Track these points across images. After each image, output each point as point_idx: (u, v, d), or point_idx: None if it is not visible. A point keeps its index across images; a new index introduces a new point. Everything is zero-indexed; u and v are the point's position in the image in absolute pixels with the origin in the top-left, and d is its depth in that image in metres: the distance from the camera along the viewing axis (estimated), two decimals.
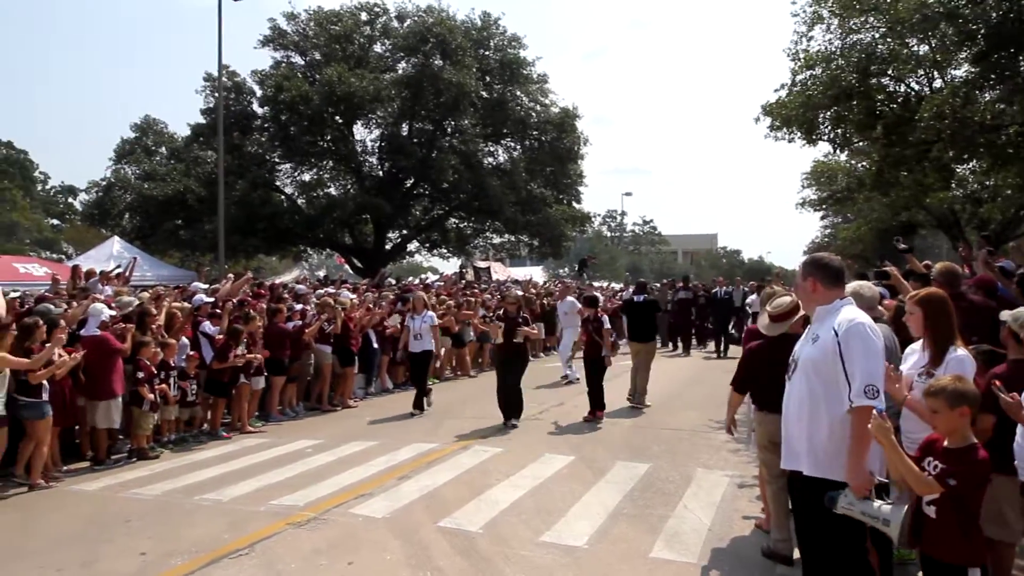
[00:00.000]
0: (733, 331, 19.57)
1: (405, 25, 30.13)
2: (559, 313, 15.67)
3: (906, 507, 3.22)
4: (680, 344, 20.46)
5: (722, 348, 19.07)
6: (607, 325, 10.90)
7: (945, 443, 3.34)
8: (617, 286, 30.82)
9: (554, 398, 12.33)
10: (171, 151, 30.28)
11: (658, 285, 24.71)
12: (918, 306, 4.10)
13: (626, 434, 9.52)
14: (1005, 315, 4.38)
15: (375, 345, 12.83)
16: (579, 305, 13.54)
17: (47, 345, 7.24)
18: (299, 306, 11.94)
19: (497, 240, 33.92)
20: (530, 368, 11.25)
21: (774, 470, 5.17)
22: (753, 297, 15.76)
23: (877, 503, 3.24)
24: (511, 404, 10.11)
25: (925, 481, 3.23)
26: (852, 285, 4.43)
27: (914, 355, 4.23)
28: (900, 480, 3.37)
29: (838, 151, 18.51)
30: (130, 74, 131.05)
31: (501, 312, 11.11)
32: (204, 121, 29.00)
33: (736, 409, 5.78)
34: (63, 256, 41.39)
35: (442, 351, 13.62)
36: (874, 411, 3.34)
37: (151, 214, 27.30)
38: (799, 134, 15.08)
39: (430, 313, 11.96)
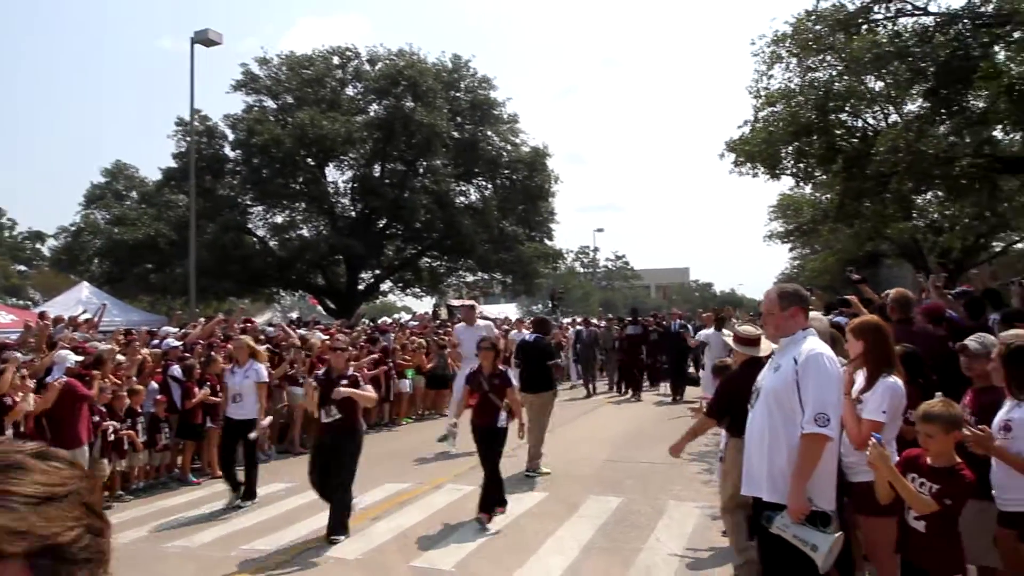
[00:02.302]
0: (691, 370, 16.97)
1: (377, 68, 30.51)
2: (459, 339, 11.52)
3: (835, 537, 3.36)
4: (630, 387, 17.54)
5: (678, 390, 16.39)
6: (515, 382, 7.86)
7: (929, 461, 3.51)
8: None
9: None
10: (142, 195, 30.21)
11: (600, 322, 21.89)
12: (854, 335, 4.22)
13: (598, 469, 9.54)
14: (972, 344, 4.43)
15: None
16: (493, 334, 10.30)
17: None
18: (263, 347, 11.78)
19: (470, 278, 34.03)
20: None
21: (746, 499, 5.22)
22: (705, 332, 13.00)
23: (810, 529, 3.37)
24: (333, 512, 6.74)
25: (924, 501, 3.41)
26: None
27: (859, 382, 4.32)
28: (886, 499, 3.57)
29: (801, 184, 19.00)
30: (101, 119, 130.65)
31: (322, 372, 7.41)
32: (176, 165, 28.93)
33: (697, 435, 5.68)
34: (29, 302, 40.75)
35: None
36: (872, 440, 3.53)
37: (121, 259, 27.09)
38: (762, 169, 15.47)
39: (257, 365, 8.48)
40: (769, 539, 3.52)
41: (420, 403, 15.04)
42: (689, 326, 17.94)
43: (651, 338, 18.12)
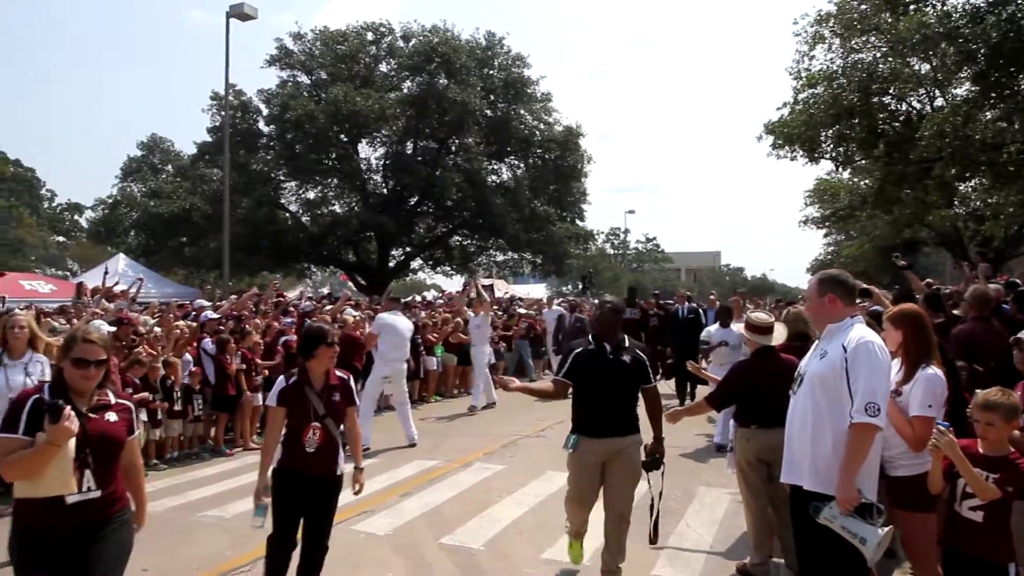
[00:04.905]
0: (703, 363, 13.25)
1: (410, 45, 30.41)
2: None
3: (885, 530, 3.28)
4: None
5: (686, 387, 12.79)
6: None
7: (982, 451, 3.51)
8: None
9: (552, 415, 12.26)
10: (177, 169, 30.58)
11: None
12: (893, 323, 4.10)
13: None
14: None
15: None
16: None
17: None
18: (288, 320, 11.87)
19: (500, 258, 34.01)
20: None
21: (756, 489, 5.16)
22: (713, 329, 10.18)
23: (858, 521, 3.29)
24: None
25: (988, 488, 3.40)
26: None
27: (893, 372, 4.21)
28: (938, 489, 3.57)
29: (840, 169, 18.64)
30: (138, 93, 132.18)
31: (47, 392, 3.18)
32: (210, 139, 29.27)
33: (695, 414, 5.73)
34: (68, 273, 41.54)
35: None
36: (938, 426, 3.49)
37: (156, 231, 27.57)
38: (801, 152, 15.19)
39: (41, 358, 6.28)
40: (812, 530, 3.43)
41: (452, 381, 15.14)
42: (700, 309, 14.23)
43: (651, 324, 15.06)
